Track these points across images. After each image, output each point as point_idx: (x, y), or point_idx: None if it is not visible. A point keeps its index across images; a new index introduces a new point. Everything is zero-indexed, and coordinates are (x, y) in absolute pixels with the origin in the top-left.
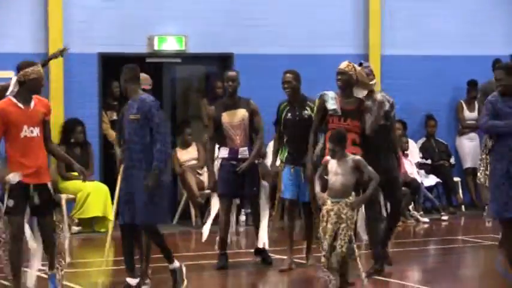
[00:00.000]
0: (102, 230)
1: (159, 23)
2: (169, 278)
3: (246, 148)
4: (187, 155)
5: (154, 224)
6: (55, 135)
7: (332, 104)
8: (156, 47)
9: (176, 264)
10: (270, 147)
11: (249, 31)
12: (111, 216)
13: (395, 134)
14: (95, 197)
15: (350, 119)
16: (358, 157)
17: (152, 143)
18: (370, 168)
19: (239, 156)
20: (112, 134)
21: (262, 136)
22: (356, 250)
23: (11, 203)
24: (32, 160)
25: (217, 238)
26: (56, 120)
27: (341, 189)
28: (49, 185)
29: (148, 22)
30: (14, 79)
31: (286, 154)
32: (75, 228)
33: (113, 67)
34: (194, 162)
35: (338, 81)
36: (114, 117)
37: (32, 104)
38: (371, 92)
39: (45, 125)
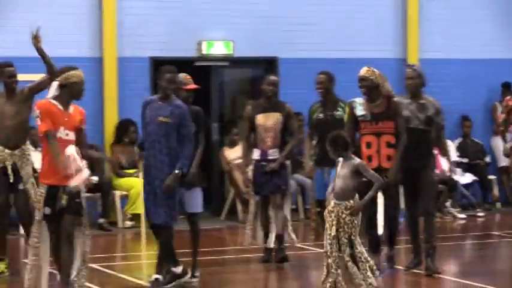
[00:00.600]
0: None
1: (207, 28)
2: (218, 270)
3: (275, 150)
4: (235, 154)
5: (172, 226)
6: (109, 135)
7: (360, 110)
8: (204, 51)
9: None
10: None
11: (293, 36)
12: None
13: (444, 140)
14: None
15: (381, 121)
16: (358, 161)
17: (177, 147)
18: (371, 172)
19: (269, 158)
20: None
21: (296, 138)
22: (361, 256)
23: (48, 210)
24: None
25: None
26: (110, 121)
27: (340, 192)
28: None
29: (197, 28)
30: (56, 83)
31: (316, 156)
32: (128, 223)
33: None
34: (241, 160)
35: (360, 88)
36: None
37: (71, 109)
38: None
39: (81, 132)
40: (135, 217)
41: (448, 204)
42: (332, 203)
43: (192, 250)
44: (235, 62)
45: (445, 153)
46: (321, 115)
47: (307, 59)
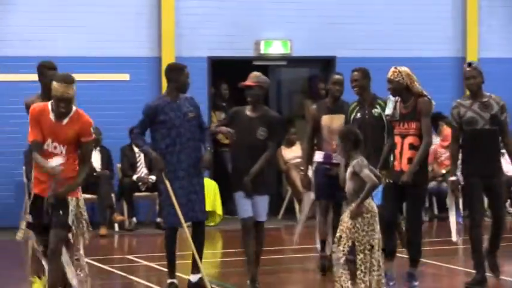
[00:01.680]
0: (211, 223)
1: (265, 28)
2: (274, 270)
3: None
4: (292, 153)
5: None
6: None
7: (389, 109)
8: (262, 51)
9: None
10: None
11: (351, 35)
12: (220, 210)
13: (509, 139)
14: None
15: (406, 122)
16: (355, 160)
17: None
18: (366, 171)
19: (333, 161)
20: None
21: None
22: (361, 265)
23: (30, 218)
24: (48, 175)
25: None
26: None
27: (348, 197)
28: (70, 201)
29: (255, 27)
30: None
31: None
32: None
33: (222, 70)
34: (298, 160)
35: (388, 90)
36: (223, 117)
37: (66, 120)
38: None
39: (81, 147)
40: None
41: (507, 204)
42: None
43: (254, 258)
44: (293, 61)
45: (510, 153)
46: (359, 115)
47: (365, 58)
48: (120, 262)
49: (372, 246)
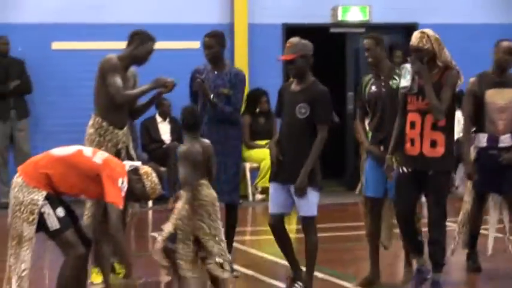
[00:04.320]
0: None
1: None
2: (352, 247)
3: (508, 136)
4: None
5: None
6: None
7: (406, 81)
8: (339, 18)
9: None
10: None
11: (434, 1)
12: None
13: None
14: None
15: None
16: (185, 146)
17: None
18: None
19: (500, 145)
20: None
21: None
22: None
23: (61, 212)
24: None
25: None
26: None
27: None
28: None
29: None
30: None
31: (371, 139)
32: (258, 196)
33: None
34: None
35: (412, 60)
36: None
37: None
38: None
39: None
40: (266, 190)
41: None
42: None
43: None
44: (372, 28)
45: None
46: (374, 87)
47: (450, 25)
48: None
49: (197, 237)
